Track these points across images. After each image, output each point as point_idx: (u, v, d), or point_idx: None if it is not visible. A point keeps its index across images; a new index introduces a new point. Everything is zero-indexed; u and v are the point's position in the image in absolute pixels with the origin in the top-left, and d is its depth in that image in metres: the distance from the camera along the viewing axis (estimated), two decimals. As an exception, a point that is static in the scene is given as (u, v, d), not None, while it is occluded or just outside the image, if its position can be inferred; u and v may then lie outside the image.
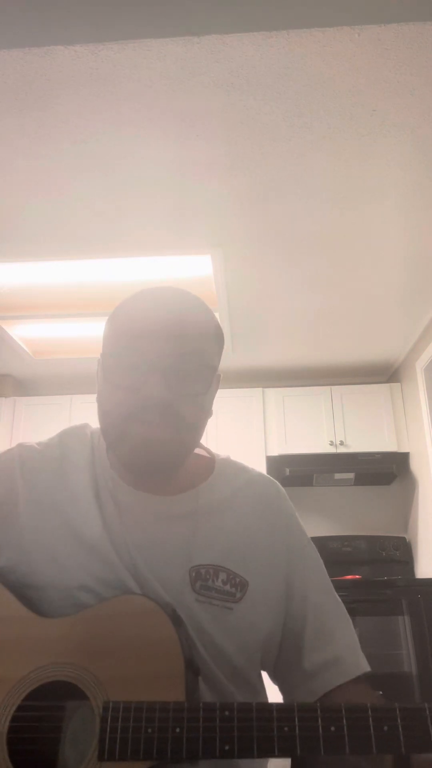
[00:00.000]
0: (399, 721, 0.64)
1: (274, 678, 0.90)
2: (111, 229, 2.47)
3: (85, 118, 1.89)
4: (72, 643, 0.73)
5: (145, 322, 0.82)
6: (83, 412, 3.73)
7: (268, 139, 1.99)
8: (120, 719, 0.67)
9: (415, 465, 3.74)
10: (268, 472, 3.77)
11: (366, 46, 1.64)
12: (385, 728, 0.63)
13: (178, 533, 0.84)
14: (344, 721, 0.64)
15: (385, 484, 4.07)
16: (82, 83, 1.75)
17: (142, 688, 0.69)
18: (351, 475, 3.88)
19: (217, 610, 0.81)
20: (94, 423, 0.93)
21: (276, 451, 3.82)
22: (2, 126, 1.91)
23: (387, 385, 3.99)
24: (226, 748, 0.64)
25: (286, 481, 3.88)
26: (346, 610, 0.91)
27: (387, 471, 3.79)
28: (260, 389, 3.98)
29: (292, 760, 0.87)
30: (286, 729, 0.64)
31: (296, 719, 0.64)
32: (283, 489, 0.97)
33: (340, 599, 0.92)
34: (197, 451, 0.94)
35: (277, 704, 0.67)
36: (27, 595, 0.79)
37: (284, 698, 0.88)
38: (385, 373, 4.20)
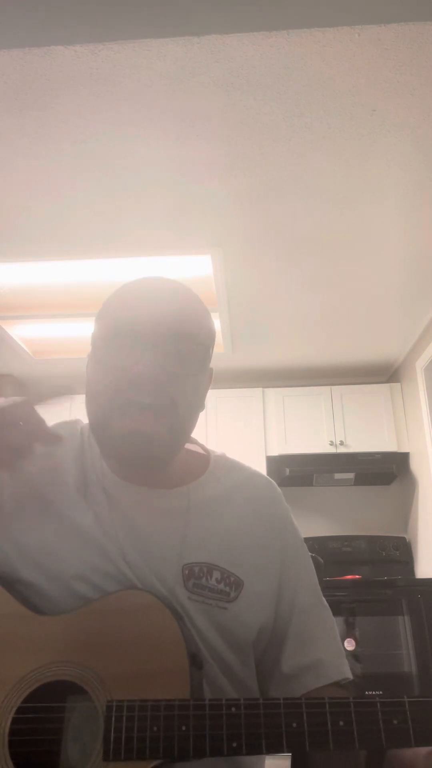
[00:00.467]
0: (408, 714, 0.63)
1: (257, 677, 0.88)
2: (111, 229, 2.47)
3: (85, 118, 1.89)
4: (72, 641, 0.72)
5: (137, 304, 0.81)
6: (83, 412, 3.72)
7: (268, 139, 1.99)
8: (125, 718, 0.66)
9: (415, 465, 3.74)
10: (268, 472, 3.77)
11: (366, 46, 1.64)
12: (395, 722, 0.63)
13: (170, 529, 0.83)
14: (353, 715, 0.63)
15: (385, 484, 4.07)
16: (82, 83, 1.75)
17: (145, 685, 0.68)
18: (351, 475, 3.87)
19: (211, 609, 0.80)
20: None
21: (276, 451, 3.82)
22: (2, 126, 1.91)
23: (387, 385, 3.99)
24: (234, 745, 0.63)
25: (286, 481, 3.88)
26: (332, 616, 0.90)
27: (387, 471, 3.79)
28: (260, 389, 3.97)
29: (292, 758, 0.87)
30: (294, 725, 0.63)
31: (304, 714, 0.64)
32: (278, 488, 0.96)
33: (327, 604, 0.91)
34: (192, 447, 0.93)
35: (285, 699, 0.66)
36: (20, 590, 0.77)
37: (262, 696, 0.87)
38: (385, 373, 4.20)
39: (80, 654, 0.71)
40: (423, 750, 0.66)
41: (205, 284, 2.92)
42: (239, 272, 2.83)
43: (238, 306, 3.16)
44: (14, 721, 0.68)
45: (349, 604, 3.10)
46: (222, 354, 3.69)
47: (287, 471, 3.77)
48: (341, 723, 0.63)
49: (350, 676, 0.85)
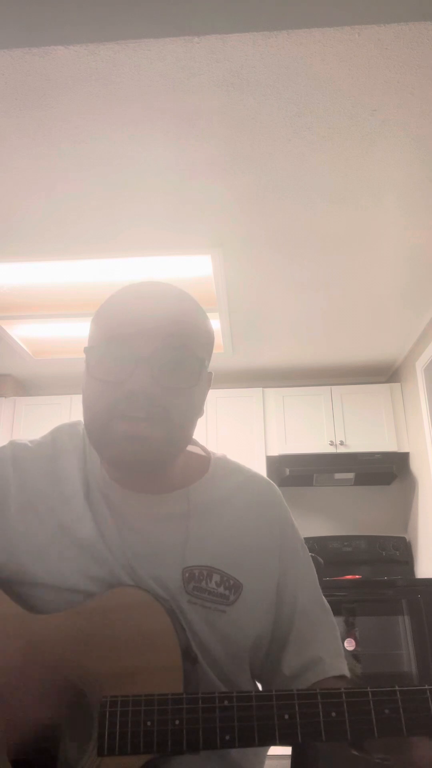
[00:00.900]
0: (400, 703, 0.63)
1: (258, 679, 0.89)
2: (111, 228, 2.47)
3: (85, 118, 1.89)
4: (67, 639, 0.72)
5: (132, 315, 0.79)
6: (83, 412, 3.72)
7: (268, 139, 1.99)
8: (118, 713, 0.66)
9: (415, 465, 3.74)
10: (268, 472, 3.78)
11: (366, 46, 1.64)
12: (386, 711, 0.63)
13: (171, 533, 0.83)
14: (345, 705, 0.64)
15: (385, 484, 4.07)
16: (82, 83, 1.75)
17: (139, 680, 0.69)
18: (351, 475, 3.88)
19: (210, 613, 0.80)
20: None
21: (276, 451, 3.82)
22: (2, 126, 1.92)
23: (387, 385, 3.99)
24: (227, 738, 0.64)
25: (286, 481, 3.88)
26: (332, 616, 0.91)
27: (387, 471, 3.79)
28: (260, 389, 3.98)
29: (292, 758, 0.87)
30: (286, 716, 0.64)
31: (296, 706, 0.64)
32: (278, 490, 0.96)
33: (327, 604, 0.91)
34: (192, 449, 0.93)
35: (277, 691, 0.66)
36: (19, 592, 0.78)
37: None
38: (385, 373, 4.20)
39: (75, 651, 0.71)
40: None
41: (205, 284, 2.92)
42: (239, 272, 2.83)
43: (238, 306, 3.16)
44: None
45: (349, 604, 3.10)
46: (222, 354, 3.70)
47: (287, 471, 3.77)
48: (333, 714, 0.63)
49: (347, 674, 0.86)
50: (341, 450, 3.78)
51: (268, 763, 0.89)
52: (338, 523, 4.01)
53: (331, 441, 3.80)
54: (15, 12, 1.56)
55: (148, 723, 0.65)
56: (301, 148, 2.04)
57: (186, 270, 2.82)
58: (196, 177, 2.17)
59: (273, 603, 0.86)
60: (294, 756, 0.88)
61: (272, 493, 0.94)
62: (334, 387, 3.96)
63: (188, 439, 0.86)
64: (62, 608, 0.75)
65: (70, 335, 3.49)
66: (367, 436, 3.81)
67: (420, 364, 3.52)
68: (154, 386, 0.76)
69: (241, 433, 3.85)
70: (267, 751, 0.86)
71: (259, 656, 0.86)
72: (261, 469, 3.72)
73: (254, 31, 1.60)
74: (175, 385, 0.78)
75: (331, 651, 0.86)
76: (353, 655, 2.97)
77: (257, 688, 0.90)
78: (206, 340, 0.86)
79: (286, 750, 0.83)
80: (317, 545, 3.73)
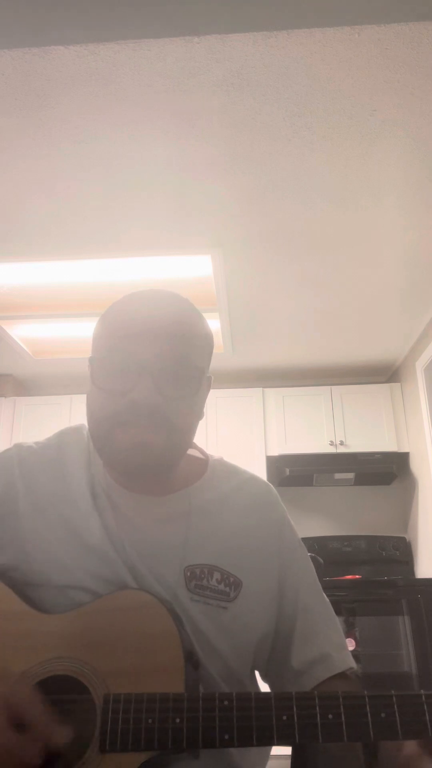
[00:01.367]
0: (396, 707, 0.64)
1: (266, 677, 0.91)
2: (111, 229, 2.48)
3: (85, 118, 1.89)
4: (73, 638, 0.74)
5: (134, 325, 0.81)
6: (83, 412, 3.72)
7: (268, 139, 1.99)
8: (120, 711, 0.67)
9: (415, 465, 3.74)
10: (268, 472, 3.78)
11: (366, 46, 1.64)
12: (383, 715, 0.64)
13: (172, 533, 0.85)
14: (342, 708, 0.65)
15: (385, 484, 4.07)
16: (82, 83, 1.75)
17: (142, 680, 0.70)
18: (351, 475, 3.88)
19: (212, 610, 0.81)
20: None
21: (276, 451, 3.82)
22: (2, 126, 1.92)
23: (387, 385, 3.99)
24: (226, 737, 0.65)
25: (286, 481, 3.88)
26: (333, 611, 0.93)
27: (387, 471, 3.79)
28: (260, 389, 3.98)
29: (291, 759, 0.88)
30: (284, 717, 0.65)
31: (294, 707, 0.65)
32: (275, 491, 0.98)
33: (328, 600, 0.93)
34: (190, 451, 0.95)
35: (276, 693, 0.67)
36: (28, 593, 0.80)
37: None
38: (385, 373, 4.20)
39: (80, 650, 0.73)
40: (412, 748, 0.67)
41: (205, 284, 2.92)
42: (239, 272, 2.83)
43: (238, 306, 3.16)
44: None
45: (349, 604, 3.10)
46: (222, 354, 3.70)
47: (287, 471, 3.77)
48: (330, 716, 0.65)
49: (354, 665, 0.88)
50: (341, 450, 3.78)
51: (267, 763, 0.89)
52: (338, 523, 4.01)
53: (331, 441, 3.80)
54: (15, 12, 1.56)
55: (149, 721, 0.66)
56: (301, 148, 2.04)
57: (186, 270, 2.82)
58: (196, 177, 2.17)
59: (275, 600, 0.88)
60: (294, 756, 0.89)
61: (269, 494, 0.96)
62: (334, 387, 3.96)
63: (189, 444, 0.89)
64: (69, 608, 0.77)
65: (70, 335, 3.49)
66: (367, 436, 3.81)
67: (420, 364, 3.52)
68: (156, 396, 0.78)
69: (241, 433, 3.85)
70: (269, 754, 0.87)
71: (265, 652, 0.88)
72: (261, 469, 3.73)
73: (254, 31, 1.60)
74: (176, 394, 0.80)
75: (337, 645, 0.88)
76: (353, 655, 2.97)
77: (258, 685, 0.91)
78: (207, 347, 0.88)
79: (286, 750, 0.83)
80: (317, 545, 3.73)
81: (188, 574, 0.82)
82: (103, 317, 0.87)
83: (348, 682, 0.86)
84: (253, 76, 1.74)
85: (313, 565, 0.95)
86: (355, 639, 3.05)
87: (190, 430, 0.86)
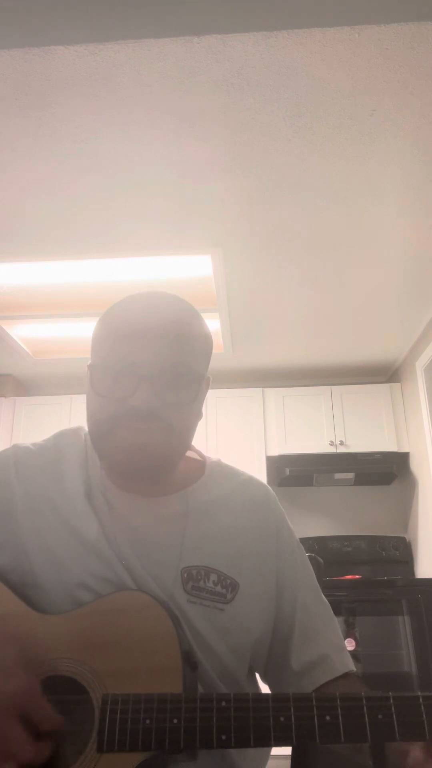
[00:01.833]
0: (393, 709, 0.64)
1: (265, 679, 0.91)
2: (111, 229, 2.48)
3: (85, 118, 1.89)
4: (71, 639, 0.74)
5: (133, 329, 0.81)
6: (83, 412, 3.72)
7: (268, 139, 1.99)
8: (118, 711, 0.68)
9: (415, 465, 3.74)
10: (268, 472, 3.78)
11: (366, 46, 1.64)
12: (380, 716, 0.64)
13: (169, 534, 0.85)
14: (339, 710, 0.65)
15: (385, 484, 4.07)
16: (82, 83, 1.75)
17: (140, 681, 0.70)
18: (351, 475, 3.88)
19: (209, 611, 0.81)
20: None
21: (276, 451, 3.82)
22: (2, 126, 1.92)
23: (387, 385, 3.99)
24: (223, 737, 0.65)
25: (286, 481, 3.88)
26: (332, 612, 0.93)
27: (387, 471, 3.79)
28: (260, 389, 3.98)
29: (291, 760, 0.87)
30: (282, 719, 0.65)
31: (292, 708, 0.65)
32: (273, 492, 0.98)
33: (326, 601, 0.93)
34: (188, 453, 0.95)
35: (273, 694, 0.67)
36: (26, 593, 0.80)
37: None
38: (385, 373, 4.20)
39: (79, 651, 0.73)
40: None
41: (205, 284, 2.92)
42: (239, 272, 2.83)
43: (238, 306, 3.16)
44: None
45: (349, 604, 3.10)
46: (222, 354, 3.70)
47: (287, 471, 3.77)
48: (327, 717, 0.65)
49: (353, 667, 0.88)
50: (341, 450, 3.78)
51: (267, 763, 0.89)
52: (338, 523, 4.01)
53: (331, 441, 3.80)
54: (15, 12, 1.56)
55: (147, 721, 0.66)
56: (301, 148, 2.04)
57: (186, 270, 2.82)
58: (196, 177, 2.17)
59: (273, 601, 0.88)
60: (294, 757, 0.89)
61: (267, 495, 0.96)
62: (334, 387, 3.96)
63: (188, 446, 0.89)
64: (68, 608, 0.77)
65: (70, 335, 3.49)
66: (367, 436, 3.81)
67: (420, 364, 3.52)
68: (155, 401, 0.78)
69: (241, 433, 3.85)
70: (269, 755, 0.87)
71: (263, 653, 0.88)
72: (261, 469, 3.73)
73: (254, 31, 1.60)
74: (176, 400, 0.80)
75: (336, 646, 0.88)
76: (353, 655, 2.97)
77: (257, 684, 0.91)
78: (206, 351, 0.88)
79: (286, 750, 0.83)
80: (317, 545, 3.73)
81: (185, 575, 0.82)
82: (102, 321, 0.86)
83: (350, 685, 0.85)
84: (253, 76, 1.74)
85: (312, 566, 0.95)
86: (355, 639, 3.05)
87: (189, 432, 0.86)
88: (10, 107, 1.84)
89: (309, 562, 0.95)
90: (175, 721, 0.66)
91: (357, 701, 0.65)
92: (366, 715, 0.64)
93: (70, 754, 0.69)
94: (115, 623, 0.75)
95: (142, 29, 1.60)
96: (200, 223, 2.45)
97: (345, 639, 2.99)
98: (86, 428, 0.94)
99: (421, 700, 0.64)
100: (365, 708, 0.65)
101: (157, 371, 0.79)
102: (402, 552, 3.81)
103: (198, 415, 0.87)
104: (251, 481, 0.97)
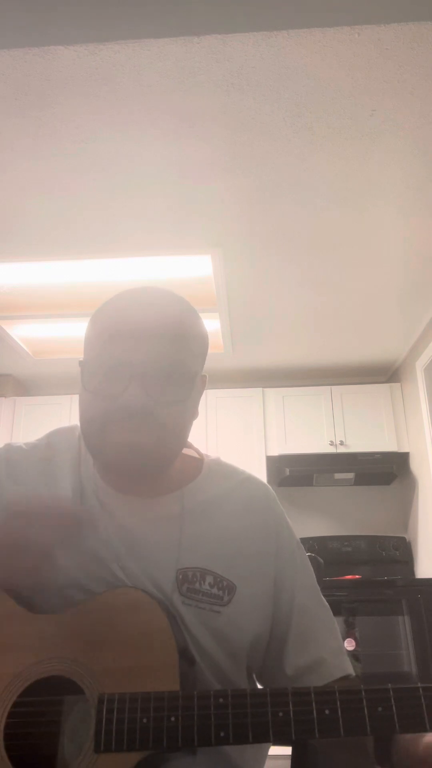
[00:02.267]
0: (393, 701, 0.64)
1: (260, 682, 0.89)
2: (111, 228, 2.48)
3: (85, 118, 1.89)
4: (66, 638, 0.73)
5: (124, 326, 0.79)
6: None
7: (268, 139, 1.99)
8: (115, 710, 0.67)
9: (415, 465, 3.74)
10: (268, 472, 3.77)
11: (366, 46, 1.64)
12: (380, 709, 0.64)
13: (165, 535, 0.84)
14: (338, 703, 0.64)
15: (385, 484, 4.07)
16: (82, 83, 1.75)
17: (136, 679, 0.70)
18: (351, 475, 3.88)
19: (205, 614, 0.80)
20: None
21: (276, 451, 3.82)
22: (2, 126, 1.92)
23: (387, 385, 3.99)
24: (222, 734, 0.64)
25: (286, 481, 3.88)
26: (332, 615, 0.90)
27: (387, 471, 3.79)
28: (260, 389, 3.98)
29: (291, 759, 0.87)
30: (280, 714, 0.65)
31: (290, 703, 0.65)
32: (273, 491, 0.96)
33: (326, 603, 0.91)
34: (186, 451, 0.93)
35: (272, 689, 0.67)
36: (21, 593, 0.79)
37: None
38: (385, 373, 4.20)
39: (74, 651, 0.72)
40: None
41: (204, 284, 2.92)
42: (239, 272, 2.83)
43: (237, 306, 3.16)
44: (10, 714, 0.70)
45: (349, 604, 3.10)
46: (222, 354, 3.69)
47: (287, 471, 3.77)
48: (327, 711, 0.64)
49: (352, 672, 0.86)
50: (341, 450, 3.78)
51: (268, 763, 0.89)
52: (338, 523, 4.01)
53: (331, 441, 3.80)
54: (15, 12, 1.56)
55: (144, 720, 0.66)
56: (301, 148, 2.04)
57: (186, 270, 2.82)
58: (196, 177, 2.17)
59: (270, 603, 0.86)
60: (294, 756, 0.89)
61: (267, 495, 0.94)
62: (334, 387, 3.96)
63: (183, 445, 0.87)
64: (64, 607, 0.76)
65: (70, 335, 3.49)
66: (367, 436, 3.81)
67: (420, 364, 3.52)
68: (147, 400, 0.77)
69: (241, 433, 3.85)
70: (267, 753, 0.86)
71: (259, 656, 0.86)
72: (261, 469, 3.72)
73: (254, 31, 1.60)
74: (168, 398, 0.78)
75: (333, 650, 0.86)
76: (353, 655, 2.97)
77: (256, 686, 0.90)
78: (201, 348, 0.86)
79: (286, 750, 0.83)
80: (317, 545, 3.73)
81: (180, 577, 0.81)
82: (94, 317, 0.85)
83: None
84: (253, 76, 1.74)
85: (312, 567, 0.93)
86: (355, 639, 3.04)
87: (184, 431, 0.84)
88: (10, 107, 1.84)
89: (309, 564, 0.93)
90: (173, 719, 0.65)
91: (356, 694, 0.64)
92: (365, 708, 0.64)
93: (68, 755, 0.68)
94: (110, 621, 0.74)
95: (142, 29, 1.60)
96: (200, 223, 2.45)
97: (345, 639, 3.00)
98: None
99: (421, 691, 0.64)
100: (365, 701, 0.64)
101: (148, 369, 0.77)
102: (402, 552, 3.81)
103: (193, 414, 0.85)
104: (250, 480, 0.95)
